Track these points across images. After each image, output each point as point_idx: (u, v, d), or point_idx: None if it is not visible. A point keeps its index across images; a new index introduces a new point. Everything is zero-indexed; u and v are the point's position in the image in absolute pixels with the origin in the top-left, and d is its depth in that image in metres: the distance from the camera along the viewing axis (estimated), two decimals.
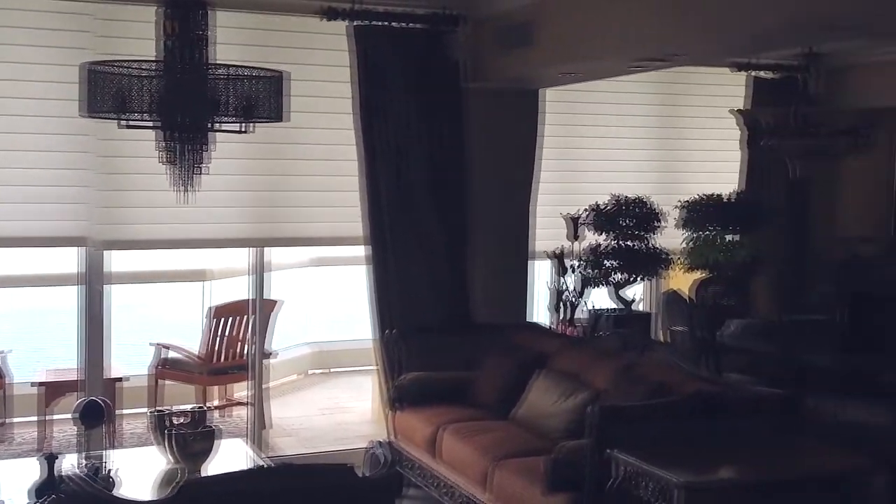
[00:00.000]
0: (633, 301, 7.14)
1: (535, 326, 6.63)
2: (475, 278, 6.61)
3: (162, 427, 4.67)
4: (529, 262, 7.01)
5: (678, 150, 7.80)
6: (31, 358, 9.03)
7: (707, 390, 4.69)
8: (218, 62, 4.09)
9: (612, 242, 6.86)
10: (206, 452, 4.56)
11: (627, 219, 6.84)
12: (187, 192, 4.06)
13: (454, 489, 5.37)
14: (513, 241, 6.87)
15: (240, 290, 7.22)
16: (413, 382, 6.04)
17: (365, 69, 6.19)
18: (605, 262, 6.85)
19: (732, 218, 7.13)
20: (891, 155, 8.67)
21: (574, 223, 6.90)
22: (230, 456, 4.82)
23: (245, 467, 3.97)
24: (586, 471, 4.35)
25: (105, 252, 6.06)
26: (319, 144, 6.39)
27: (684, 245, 7.27)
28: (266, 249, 6.56)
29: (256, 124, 4.20)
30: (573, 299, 6.91)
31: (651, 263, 6.91)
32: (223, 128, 4.11)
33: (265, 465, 3.19)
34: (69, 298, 6.59)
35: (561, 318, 6.94)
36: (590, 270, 6.85)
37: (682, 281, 7.45)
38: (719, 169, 7.79)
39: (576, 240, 6.90)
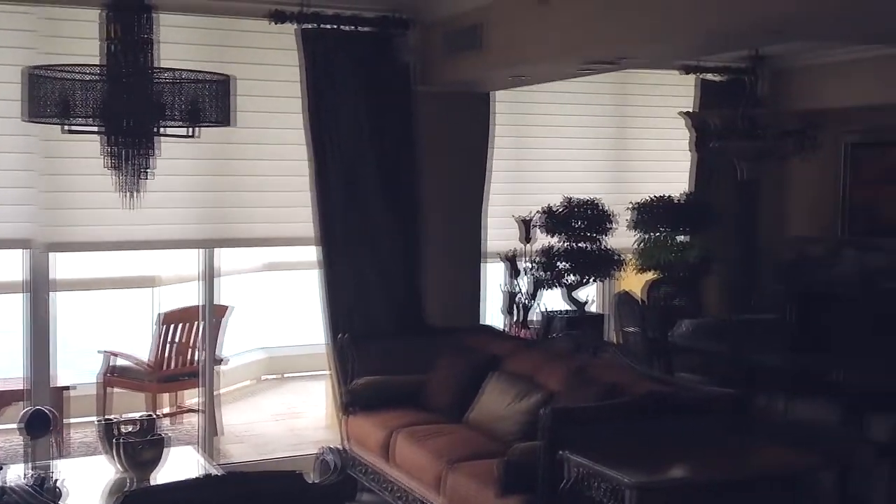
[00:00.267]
0: (585, 303, 7.17)
1: (489, 329, 6.64)
2: (428, 281, 6.61)
3: (110, 436, 4.61)
4: (482, 264, 7.02)
5: (630, 150, 7.85)
6: None
7: (658, 391, 4.72)
8: (163, 66, 4.03)
9: (565, 244, 6.89)
10: (155, 461, 4.51)
11: (579, 220, 6.87)
12: (133, 198, 3.99)
13: (408, 493, 5.36)
14: (465, 244, 6.87)
15: (190, 295, 7.15)
16: (365, 387, 6.02)
17: (313, 72, 6.16)
18: (558, 263, 6.87)
19: (682, 219, 7.19)
20: (838, 156, 8.80)
21: (526, 225, 6.91)
22: (180, 464, 4.77)
23: (194, 475, 3.90)
24: (539, 473, 4.35)
25: (51, 258, 5.95)
26: (270, 144, 6.35)
27: (636, 246, 7.32)
28: (217, 254, 6.50)
29: (204, 128, 4.15)
30: (526, 301, 6.93)
31: (603, 265, 6.94)
32: (169, 132, 4.05)
33: (212, 473, 3.15)
34: (14, 306, 6.47)
35: (514, 320, 6.95)
36: (542, 272, 6.87)
37: (634, 282, 7.49)
38: (670, 169, 7.86)
39: (528, 242, 6.91)
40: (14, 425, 5.15)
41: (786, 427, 5.51)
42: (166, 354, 7.22)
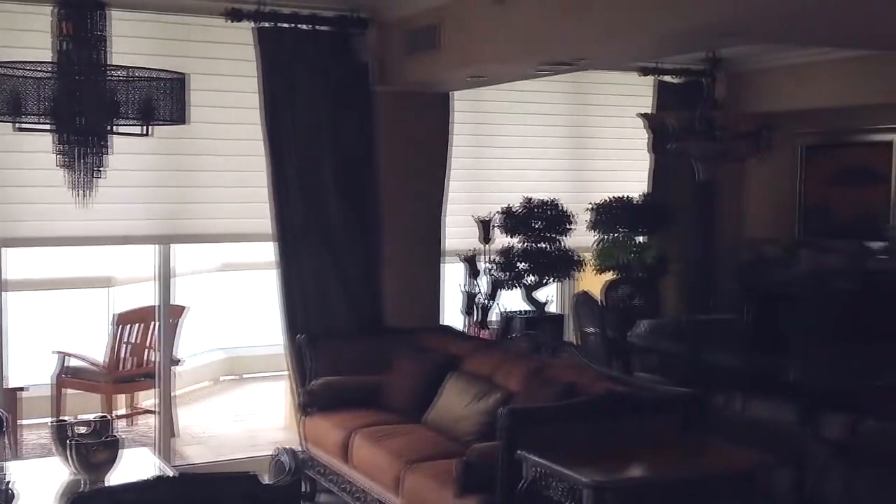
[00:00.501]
0: (545, 303, 7.19)
1: (448, 329, 6.63)
2: (387, 281, 6.59)
3: (63, 437, 4.55)
4: (441, 264, 7.02)
5: (589, 150, 7.89)
6: None
7: (616, 390, 4.74)
8: (117, 64, 3.98)
9: (524, 245, 6.90)
10: (109, 462, 4.45)
11: (538, 221, 6.89)
12: (86, 197, 3.94)
13: (367, 494, 5.34)
14: (425, 244, 6.86)
15: (146, 296, 7.08)
16: (324, 387, 5.99)
17: (270, 71, 6.12)
18: (517, 264, 6.88)
19: (640, 219, 7.23)
20: (794, 158, 8.89)
21: (485, 225, 6.92)
22: (135, 466, 4.72)
23: (147, 477, 3.85)
24: (497, 473, 4.35)
25: (3, 259, 5.86)
26: (228, 140, 6.29)
27: (595, 247, 7.35)
28: (173, 254, 6.43)
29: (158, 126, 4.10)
30: (485, 302, 6.93)
31: (563, 265, 6.96)
32: (122, 131, 4.00)
33: (163, 475, 3.11)
34: None
35: (473, 320, 6.95)
36: (501, 273, 6.88)
37: (594, 282, 7.52)
38: (628, 167, 7.91)
39: (487, 242, 6.92)
40: None
41: (742, 426, 5.55)
42: (121, 355, 7.15)
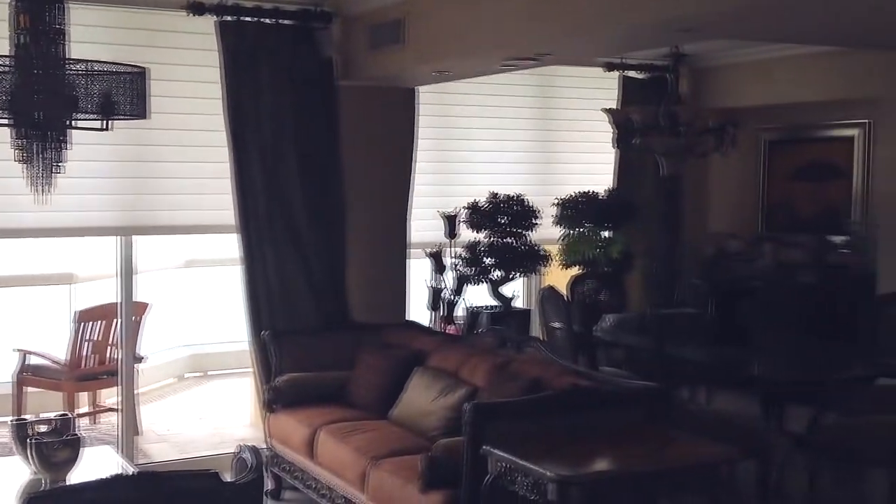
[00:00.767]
0: (512, 298, 7.20)
1: (414, 325, 6.62)
2: (352, 277, 6.57)
3: (23, 436, 4.49)
4: (407, 260, 7.00)
5: (555, 144, 7.92)
6: None
7: (581, 385, 4.75)
8: (76, 57, 3.93)
9: (490, 240, 6.90)
10: (70, 461, 4.39)
11: (504, 216, 6.89)
12: (45, 193, 3.88)
13: (332, 490, 5.32)
14: (390, 239, 6.85)
15: (109, 293, 7.02)
16: (288, 384, 5.96)
17: (233, 65, 6.07)
18: (484, 259, 6.89)
19: (606, 214, 7.26)
20: (757, 153, 8.96)
21: (451, 221, 6.91)
22: (97, 464, 4.67)
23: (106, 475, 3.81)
24: (462, 468, 4.35)
25: None
26: (191, 131, 6.23)
27: (561, 242, 7.37)
28: (135, 250, 6.36)
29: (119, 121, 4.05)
30: (451, 297, 6.93)
31: (529, 260, 6.97)
32: (82, 125, 3.95)
33: (122, 473, 3.08)
34: None
35: (439, 315, 6.94)
36: (467, 268, 6.88)
37: (560, 277, 7.54)
38: (595, 161, 7.94)
39: (453, 237, 6.91)
40: None
41: (707, 419, 5.58)
42: (83, 353, 7.09)
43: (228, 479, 2.96)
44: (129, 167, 6.12)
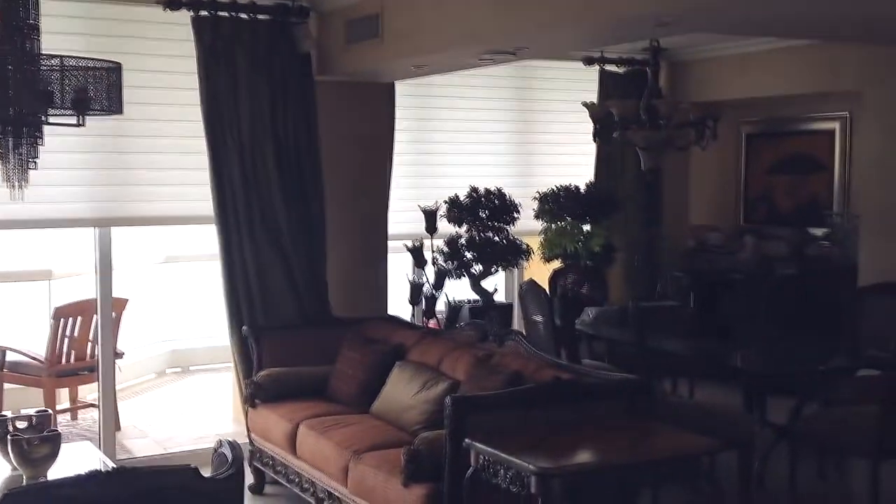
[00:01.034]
0: (493, 292, 7.19)
1: (395, 319, 6.61)
2: (333, 272, 6.55)
3: (2, 432, 4.46)
4: (387, 254, 6.99)
5: (535, 134, 7.93)
6: None
7: (562, 377, 4.75)
8: (50, 53, 3.89)
9: (471, 234, 6.89)
10: (50, 457, 4.37)
11: (485, 210, 6.88)
12: (19, 188, 3.84)
13: (314, 484, 5.31)
14: (370, 234, 6.84)
15: (88, 289, 6.98)
16: (269, 379, 5.95)
17: (209, 61, 6.04)
18: (464, 253, 6.87)
19: (586, 208, 7.25)
20: (737, 146, 9.00)
21: (431, 215, 6.90)
22: (77, 460, 4.64)
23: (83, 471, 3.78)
24: (444, 461, 4.34)
25: None
26: (168, 121, 6.19)
27: (542, 236, 7.36)
28: (114, 245, 6.31)
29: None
30: (432, 291, 6.91)
31: (510, 254, 6.96)
32: (57, 122, 3.91)
33: (100, 468, 3.06)
34: None
35: (421, 310, 6.93)
36: (448, 262, 6.86)
37: (541, 271, 7.54)
38: (575, 155, 7.95)
39: (433, 232, 6.90)
40: None
41: (689, 411, 5.60)
42: (62, 349, 7.05)
43: (208, 475, 2.95)
44: (105, 158, 6.07)
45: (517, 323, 7.47)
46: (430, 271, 6.86)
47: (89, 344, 7.12)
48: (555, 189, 7.30)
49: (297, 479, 5.52)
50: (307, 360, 6.09)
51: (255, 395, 5.94)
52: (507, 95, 7.78)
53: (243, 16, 6.08)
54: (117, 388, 6.82)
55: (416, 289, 6.87)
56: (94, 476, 2.61)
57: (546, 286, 7.19)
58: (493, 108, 7.70)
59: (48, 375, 7.04)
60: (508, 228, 6.92)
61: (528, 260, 7.12)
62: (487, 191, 6.87)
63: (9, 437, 4.39)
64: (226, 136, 6.13)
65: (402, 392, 5.43)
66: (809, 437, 5.52)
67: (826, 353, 5.97)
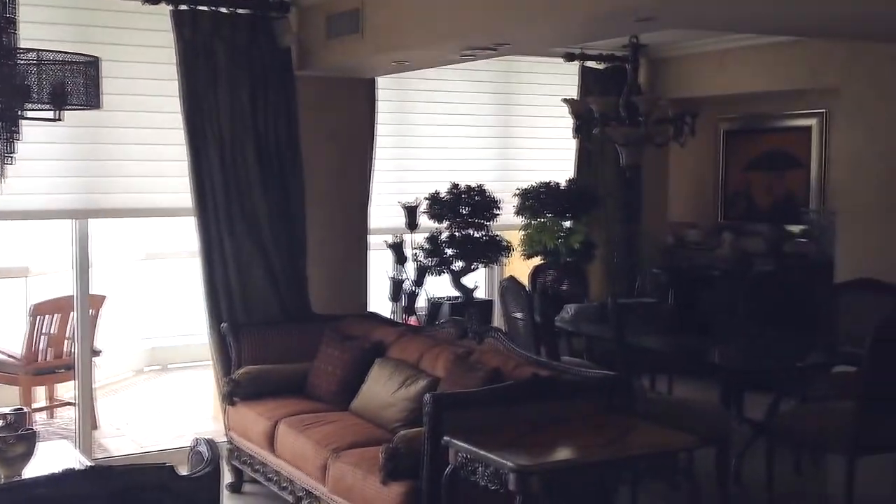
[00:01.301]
0: (474, 289, 7.18)
1: (374, 316, 6.60)
2: (313, 268, 6.53)
3: None
4: (368, 251, 6.98)
5: (516, 129, 7.93)
6: None
7: (541, 375, 4.75)
8: (28, 47, 3.86)
9: (451, 231, 6.88)
10: (25, 456, 4.34)
11: (466, 207, 6.87)
12: None
13: (293, 483, 5.30)
14: (350, 230, 6.83)
15: (65, 286, 6.93)
16: (248, 376, 5.92)
17: (189, 55, 6.00)
18: (445, 250, 6.86)
19: (566, 204, 7.26)
20: (715, 143, 9.03)
21: (412, 212, 6.89)
22: (53, 459, 4.61)
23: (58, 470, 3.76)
24: (423, 459, 4.34)
25: None
26: (147, 112, 6.14)
27: (522, 232, 7.37)
28: (92, 242, 6.27)
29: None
30: (413, 288, 6.90)
31: (490, 251, 6.96)
32: (34, 116, 3.88)
33: (75, 467, 3.04)
34: None
35: (401, 306, 6.92)
36: (428, 259, 6.86)
37: (522, 267, 7.54)
38: (556, 148, 7.97)
39: (414, 228, 6.89)
40: None
41: (667, 407, 5.61)
42: (39, 347, 7.00)
43: (185, 473, 2.93)
44: (83, 149, 6.02)
45: (497, 320, 7.47)
46: (410, 268, 6.86)
47: (67, 341, 7.08)
48: (535, 185, 7.31)
49: (275, 478, 5.50)
50: (286, 357, 6.07)
51: (234, 392, 5.91)
52: (489, 89, 7.78)
53: (223, 10, 6.05)
54: (95, 386, 6.79)
55: (396, 285, 6.86)
56: (69, 475, 2.60)
57: (526, 283, 7.20)
58: (474, 101, 7.70)
59: (25, 373, 6.99)
60: (489, 225, 6.92)
61: (508, 256, 7.12)
62: (468, 187, 6.86)
63: None
64: (206, 130, 6.10)
65: (382, 390, 5.42)
66: (786, 433, 5.54)
67: (803, 349, 6.00)
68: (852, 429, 5.02)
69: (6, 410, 4.59)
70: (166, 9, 5.93)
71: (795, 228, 8.25)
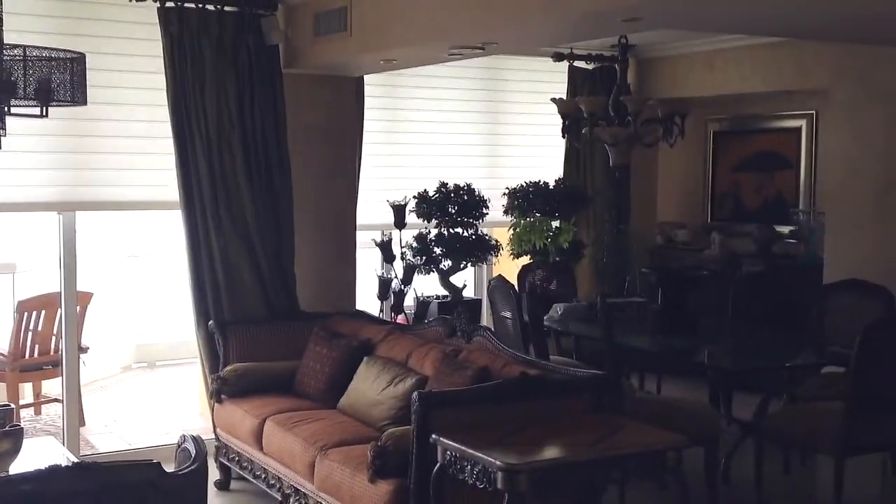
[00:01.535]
0: (462, 288, 7.18)
1: (363, 314, 6.59)
2: (301, 266, 6.52)
3: None
4: (356, 249, 6.97)
5: (505, 129, 7.94)
6: None
7: (530, 373, 4.74)
8: (13, 43, 3.83)
9: (440, 229, 6.87)
10: (12, 453, 4.33)
11: (454, 206, 6.86)
12: None
13: (281, 480, 5.28)
14: (338, 229, 6.82)
15: (52, 283, 6.91)
16: (235, 374, 5.91)
17: (176, 52, 5.97)
18: (433, 249, 6.85)
19: (555, 204, 7.26)
20: (704, 143, 9.05)
21: (400, 210, 6.88)
22: (40, 456, 4.59)
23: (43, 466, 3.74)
24: (411, 457, 4.33)
25: None
26: (135, 105, 6.12)
27: (511, 231, 7.36)
28: (79, 237, 6.23)
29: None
30: (401, 287, 6.89)
31: (479, 250, 6.95)
32: (20, 112, 3.86)
33: (60, 464, 3.03)
34: None
35: (389, 305, 6.91)
36: (417, 258, 6.84)
37: (510, 267, 7.54)
38: (544, 148, 7.97)
39: (403, 227, 6.88)
40: None
41: (656, 407, 5.62)
42: (26, 343, 6.98)
43: (171, 470, 2.92)
44: (69, 142, 5.99)
45: (486, 319, 7.47)
46: (398, 266, 6.85)
47: (53, 338, 7.05)
48: (524, 184, 7.31)
49: (263, 475, 5.49)
50: (274, 354, 6.06)
51: (221, 390, 5.90)
52: (477, 89, 7.78)
53: (210, 7, 6.03)
54: (82, 382, 6.76)
55: (384, 284, 6.85)
56: (55, 471, 2.58)
57: (515, 282, 7.20)
58: (462, 101, 7.70)
59: (11, 370, 6.96)
60: (477, 224, 6.92)
61: (496, 255, 7.12)
62: (457, 186, 6.86)
63: None
64: (192, 127, 6.07)
65: (370, 388, 5.41)
66: (775, 433, 5.55)
67: (792, 349, 6.02)
68: (841, 429, 5.03)
69: None
70: (153, 4, 5.91)
71: (784, 229, 8.27)
